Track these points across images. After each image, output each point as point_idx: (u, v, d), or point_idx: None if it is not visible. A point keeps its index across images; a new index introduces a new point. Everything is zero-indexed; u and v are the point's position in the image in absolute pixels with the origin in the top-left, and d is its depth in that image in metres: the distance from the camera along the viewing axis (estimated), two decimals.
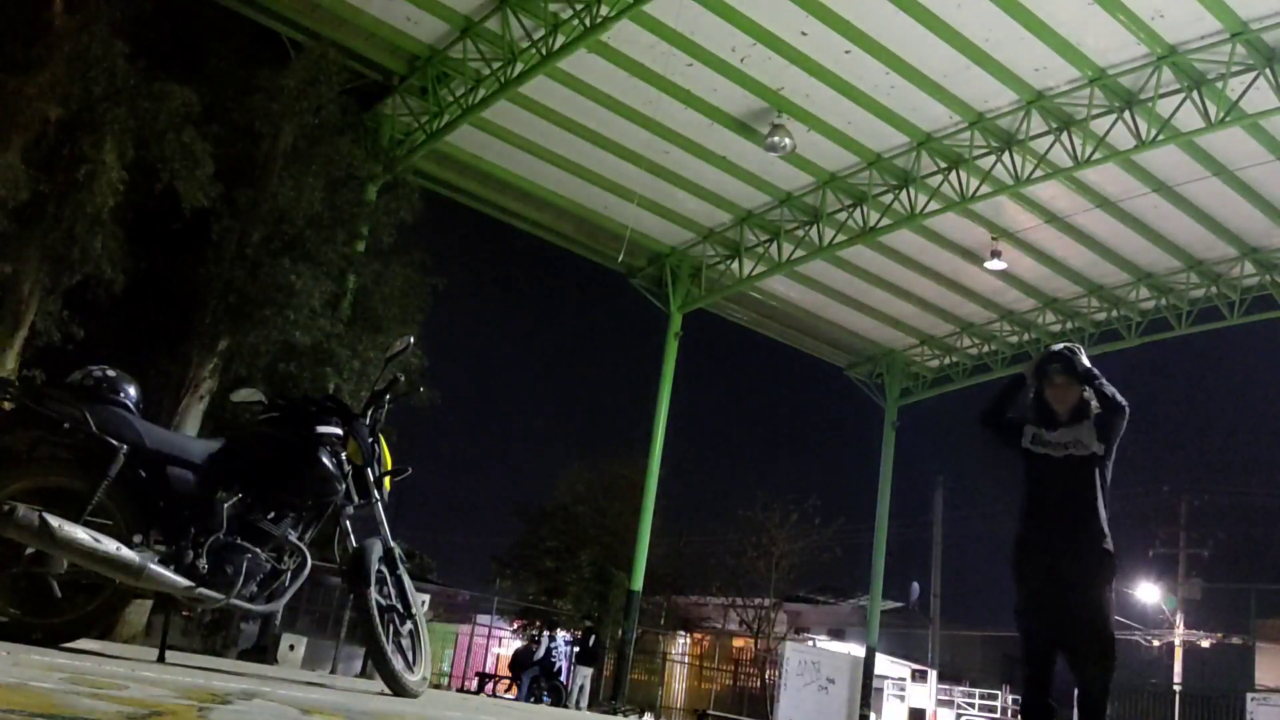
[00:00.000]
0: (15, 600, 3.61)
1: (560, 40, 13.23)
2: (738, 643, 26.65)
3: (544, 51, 13.41)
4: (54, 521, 3.41)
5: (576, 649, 18.45)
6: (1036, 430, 4.74)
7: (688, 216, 18.50)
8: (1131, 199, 16.24)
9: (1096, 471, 4.57)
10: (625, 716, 17.96)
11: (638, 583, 18.74)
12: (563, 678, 18.43)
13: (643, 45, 13.79)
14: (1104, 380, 4.67)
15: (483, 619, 25.52)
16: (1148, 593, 27.89)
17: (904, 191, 16.39)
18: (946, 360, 23.23)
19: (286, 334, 11.94)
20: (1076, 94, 13.96)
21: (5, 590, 3.59)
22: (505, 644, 25.00)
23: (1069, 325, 20.83)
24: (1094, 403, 4.64)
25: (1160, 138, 13.57)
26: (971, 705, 27.19)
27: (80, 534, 3.47)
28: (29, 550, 3.52)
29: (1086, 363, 4.74)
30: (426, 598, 17.32)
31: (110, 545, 3.52)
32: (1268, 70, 12.54)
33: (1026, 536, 4.62)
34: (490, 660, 23.58)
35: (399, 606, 4.28)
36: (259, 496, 4.04)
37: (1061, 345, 4.89)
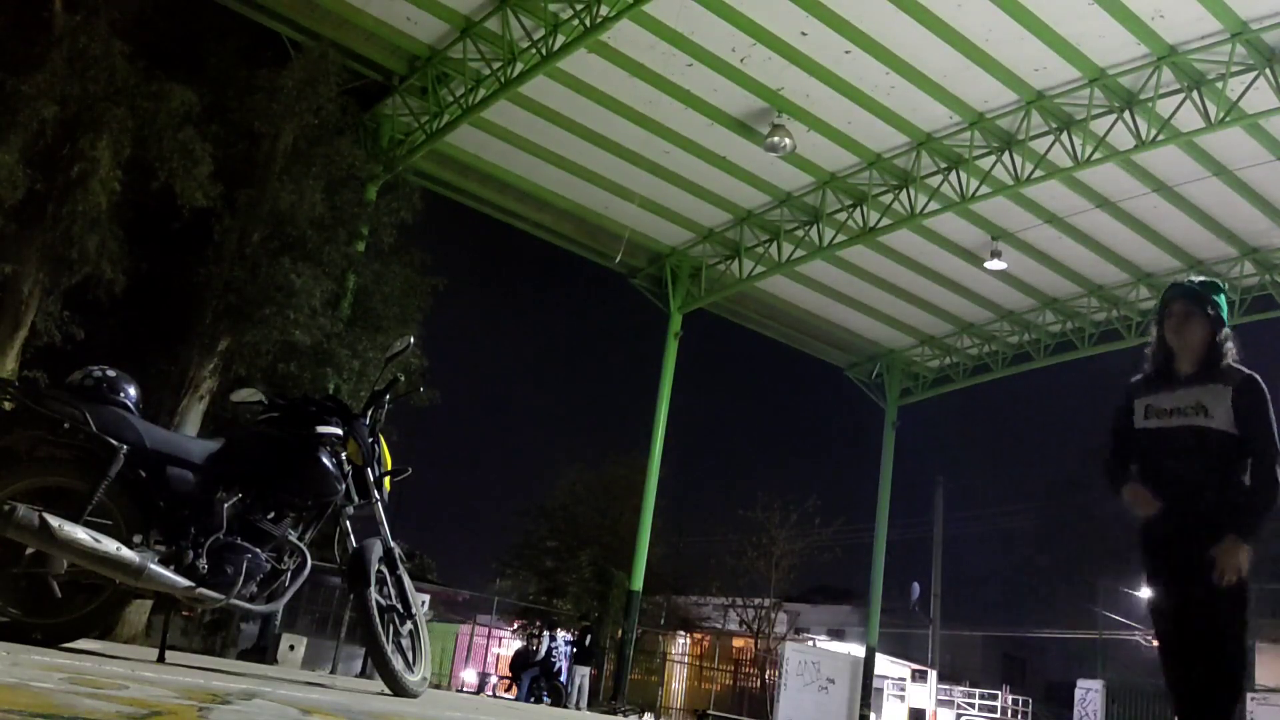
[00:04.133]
0: (15, 600, 3.61)
1: (560, 40, 13.23)
2: (738, 643, 26.63)
3: (544, 51, 13.41)
4: (54, 521, 3.41)
5: (574, 649, 18.45)
6: (1150, 399, 3.64)
7: (688, 216, 18.51)
8: (1131, 199, 16.24)
9: (1230, 452, 3.45)
10: (625, 716, 17.96)
11: (638, 583, 18.75)
12: (562, 678, 18.42)
13: (643, 45, 13.79)
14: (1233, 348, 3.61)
15: (483, 619, 25.50)
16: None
17: (904, 191, 16.40)
18: (946, 360, 23.24)
19: (286, 334, 11.94)
20: (1076, 94, 13.97)
21: (5, 590, 3.59)
22: (505, 644, 24.98)
23: (1069, 325, 20.86)
24: (1231, 359, 3.58)
25: (1160, 138, 13.58)
26: (971, 705, 27.20)
27: (80, 534, 3.47)
28: (29, 550, 3.52)
29: (1219, 302, 3.65)
30: (426, 598, 17.31)
31: (110, 545, 3.52)
32: (1268, 70, 12.54)
33: (1146, 526, 3.63)
34: (490, 660, 23.56)
35: (399, 606, 4.29)
36: (259, 496, 4.03)
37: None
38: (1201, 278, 3.75)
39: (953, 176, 15.77)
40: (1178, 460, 3.52)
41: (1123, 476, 3.71)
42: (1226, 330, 3.62)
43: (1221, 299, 3.67)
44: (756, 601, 25.43)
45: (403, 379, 4.59)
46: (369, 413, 4.40)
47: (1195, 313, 3.60)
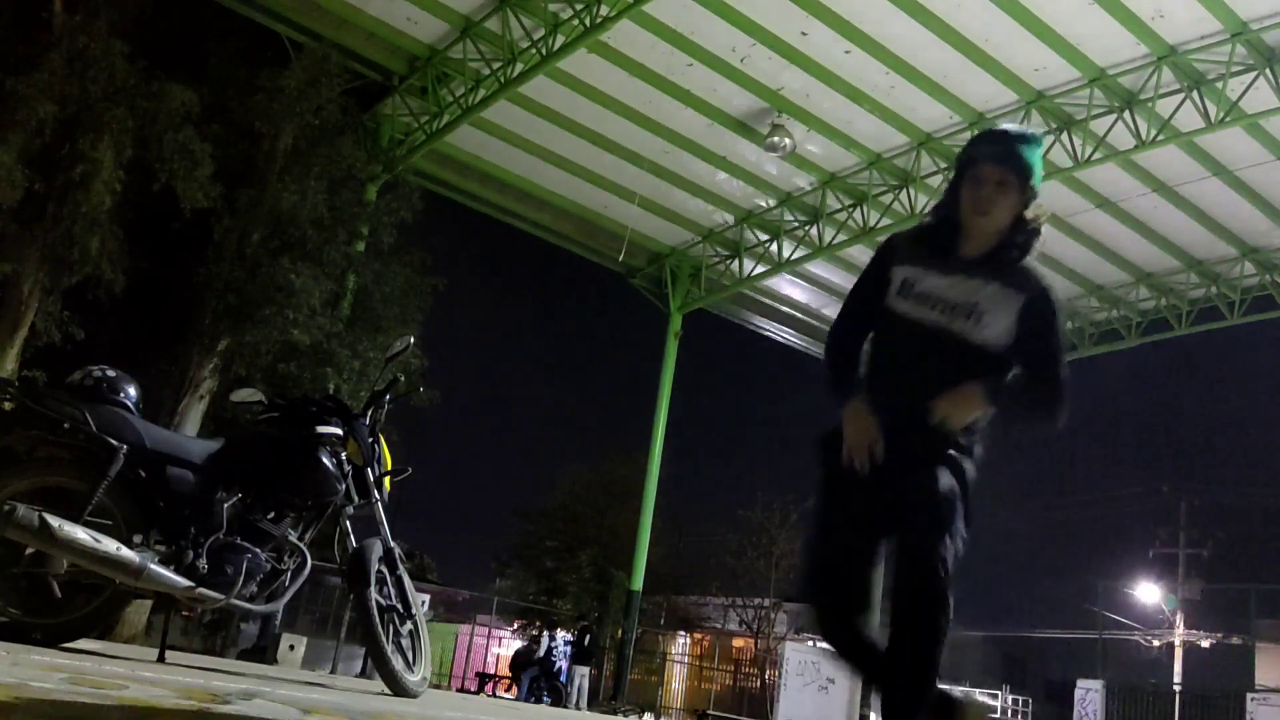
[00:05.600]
0: (15, 600, 3.61)
1: (560, 40, 13.22)
2: (738, 643, 26.65)
3: (544, 51, 13.41)
4: (54, 521, 3.42)
5: (574, 649, 18.46)
6: (913, 272, 2.77)
7: (688, 216, 18.51)
8: (1131, 199, 16.23)
9: (990, 370, 2.68)
10: (625, 716, 17.96)
11: (638, 583, 18.76)
12: (562, 678, 18.43)
13: (643, 45, 13.78)
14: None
15: (483, 619, 25.51)
16: (1148, 593, 27.90)
17: (904, 191, 16.40)
18: None
19: (286, 334, 11.95)
20: (1076, 94, 13.95)
21: (5, 590, 3.59)
22: (505, 644, 24.99)
23: (1068, 325, 20.86)
24: (1037, 248, 2.72)
25: (1160, 138, 13.56)
26: None
27: (80, 534, 3.47)
28: (29, 550, 3.52)
29: (1038, 170, 2.71)
30: (426, 598, 17.32)
31: (110, 545, 3.53)
32: (1268, 70, 12.53)
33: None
34: (490, 660, 23.58)
35: (399, 606, 4.29)
36: (259, 496, 4.04)
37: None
38: (1024, 130, 2.78)
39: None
40: (918, 366, 2.71)
41: (851, 368, 2.85)
42: (1041, 205, 2.71)
43: (1039, 159, 2.74)
44: (756, 601, 25.43)
45: (403, 379, 4.60)
46: (369, 413, 4.40)
47: (1011, 184, 2.67)
